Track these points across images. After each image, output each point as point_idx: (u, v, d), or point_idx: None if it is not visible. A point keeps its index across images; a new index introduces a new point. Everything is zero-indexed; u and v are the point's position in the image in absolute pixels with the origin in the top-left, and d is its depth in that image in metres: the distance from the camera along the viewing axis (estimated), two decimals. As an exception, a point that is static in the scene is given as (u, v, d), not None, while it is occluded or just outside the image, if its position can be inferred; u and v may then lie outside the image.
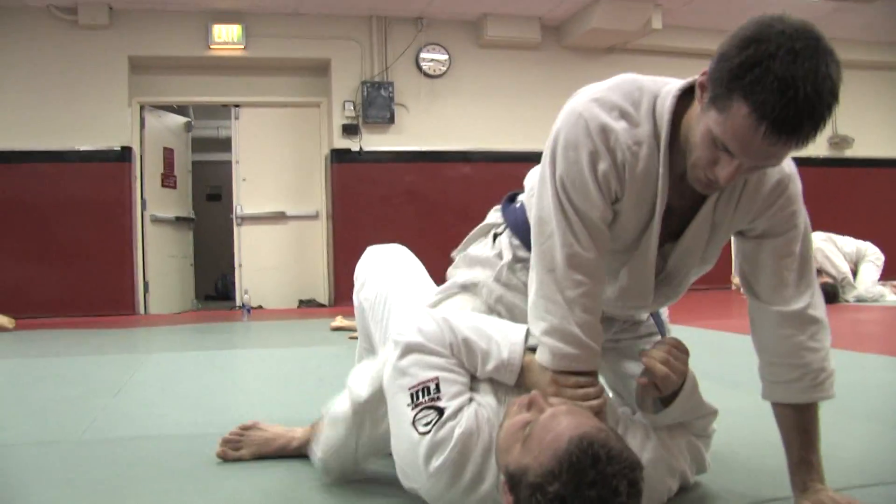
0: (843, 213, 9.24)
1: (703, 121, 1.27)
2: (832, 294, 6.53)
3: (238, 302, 7.80)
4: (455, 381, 1.42)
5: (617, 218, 1.43)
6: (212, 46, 7.66)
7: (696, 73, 1.34)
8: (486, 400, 1.42)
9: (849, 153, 9.65)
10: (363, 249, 2.08)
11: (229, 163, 8.32)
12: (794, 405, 1.49)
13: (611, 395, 1.69)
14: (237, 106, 8.11)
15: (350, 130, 7.91)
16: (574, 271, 1.39)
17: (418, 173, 8.15)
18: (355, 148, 7.94)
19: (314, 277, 8.20)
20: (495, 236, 1.73)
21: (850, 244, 7.05)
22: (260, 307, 7.71)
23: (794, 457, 1.49)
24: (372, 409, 1.57)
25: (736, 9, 8.01)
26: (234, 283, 8.09)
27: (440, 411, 1.37)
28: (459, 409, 1.38)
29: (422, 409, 1.38)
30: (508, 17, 8.17)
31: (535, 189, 1.48)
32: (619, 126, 1.36)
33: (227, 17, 7.66)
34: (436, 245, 7.77)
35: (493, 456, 1.35)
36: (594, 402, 1.38)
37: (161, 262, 7.87)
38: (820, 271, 6.73)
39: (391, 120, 7.96)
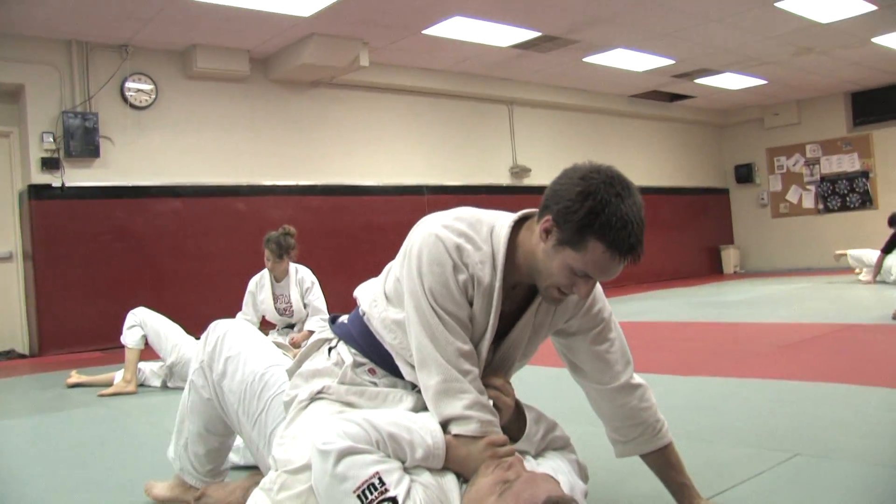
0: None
1: (558, 257, 1.63)
2: None
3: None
4: (393, 469, 1.50)
5: (473, 319, 1.76)
6: None
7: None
8: (424, 479, 1.54)
9: (526, 181, 10.86)
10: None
11: None
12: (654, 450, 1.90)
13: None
14: None
15: (50, 164, 7.32)
16: (463, 361, 1.68)
17: (127, 209, 7.76)
18: (57, 183, 7.36)
19: (11, 325, 7.47)
20: (330, 349, 1.91)
21: None
22: (-52, 363, 6.83)
23: (672, 484, 1.90)
24: None
25: (433, 50, 8.67)
26: None
27: (394, 500, 1.45)
28: (408, 491, 1.48)
29: None
30: (217, 49, 8.12)
31: (405, 303, 1.73)
32: (468, 247, 1.70)
33: None
34: (147, 283, 7.52)
35: None
36: (519, 457, 1.65)
37: None
38: None
39: (96, 153, 7.51)
